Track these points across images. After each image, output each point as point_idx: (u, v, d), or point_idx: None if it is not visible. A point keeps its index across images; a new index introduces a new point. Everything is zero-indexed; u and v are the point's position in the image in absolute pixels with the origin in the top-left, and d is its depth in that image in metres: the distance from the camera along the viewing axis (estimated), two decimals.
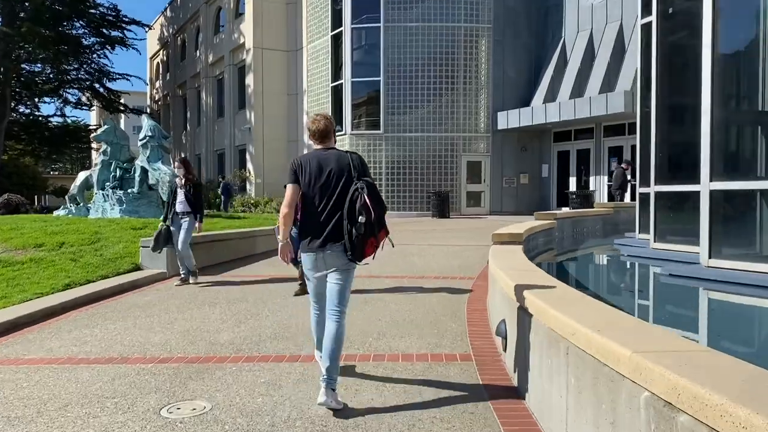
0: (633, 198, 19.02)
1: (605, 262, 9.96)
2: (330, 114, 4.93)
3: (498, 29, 23.79)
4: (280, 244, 4.19)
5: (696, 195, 6.62)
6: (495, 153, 24.04)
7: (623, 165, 18.54)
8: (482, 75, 23.87)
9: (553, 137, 24.04)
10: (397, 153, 23.40)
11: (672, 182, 8.19)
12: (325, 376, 3.85)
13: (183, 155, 41.05)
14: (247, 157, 29.49)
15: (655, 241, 8.36)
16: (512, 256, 6.58)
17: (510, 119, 23.01)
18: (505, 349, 4.78)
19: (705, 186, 6.18)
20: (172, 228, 8.80)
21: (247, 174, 28.94)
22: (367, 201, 3.89)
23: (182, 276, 8.82)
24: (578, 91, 21.71)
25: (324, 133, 4.22)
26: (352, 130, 23.86)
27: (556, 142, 23.98)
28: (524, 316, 4.08)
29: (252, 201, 26.01)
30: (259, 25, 28.59)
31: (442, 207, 22.05)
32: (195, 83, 38.27)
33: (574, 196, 16.63)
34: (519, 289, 4.31)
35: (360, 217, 3.87)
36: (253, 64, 28.68)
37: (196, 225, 8.81)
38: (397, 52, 23.31)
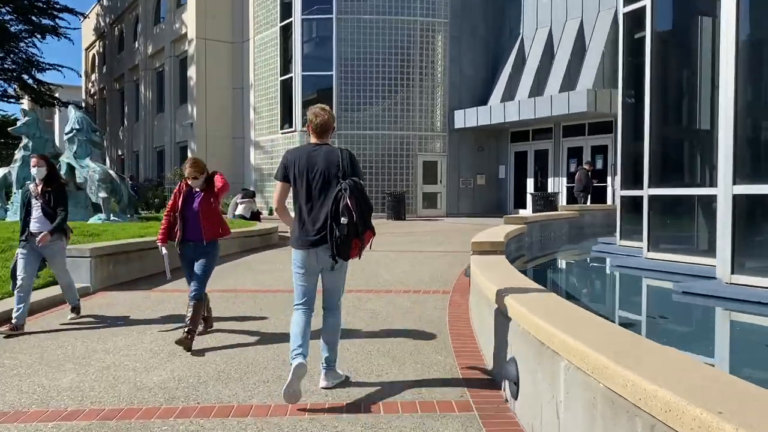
0: (594, 200, 18.51)
1: (601, 276, 8.88)
2: (329, 108, 4.39)
3: (455, 25, 22.99)
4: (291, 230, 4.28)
5: (707, 200, 5.81)
6: (452, 153, 23.22)
7: (585, 166, 17.98)
8: (438, 72, 23.02)
9: (510, 137, 23.41)
10: (353, 152, 22.24)
11: (672, 185, 7.40)
12: (325, 365, 4.16)
13: (120, 153, 38.86)
14: (189, 154, 27.77)
15: (649, 251, 7.55)
16: (503, 271, 5.61)
17: (467, 118, 22.23)
18: (515, 397, 3.77)
19: (726, 190, 5.36)
20: (22, 254, 6.08)
21: None
22: (349, 203, 3.88)
23: (72, 306, 6.51)
24: (537, 89, 21.11)
25: (324, 128, 4.16)
26: (303, 126, 22.60)
27: (513, 143, 23.36)
28: (555, 362, 3.07)
29: None
30: (202, 15, 26.96)
31: (397, 209, 21.07)
32: (133, 76, 36.17)
33: (537, 198, 15.93)
34: (538, 322, 3.31)
35: (342, 219, 3.88)
36: (196, 56, 27.04)
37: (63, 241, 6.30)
38: (351, 45, 22.20)
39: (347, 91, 22.23)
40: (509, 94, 22.05)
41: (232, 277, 9.07)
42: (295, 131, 22.80)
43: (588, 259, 10.26)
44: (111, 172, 13.81)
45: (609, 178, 19.41)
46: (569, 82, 20.12)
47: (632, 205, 9.44)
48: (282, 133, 23.73)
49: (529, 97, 20.76)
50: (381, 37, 22.24)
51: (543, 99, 19.43)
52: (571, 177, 20.90)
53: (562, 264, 10.47)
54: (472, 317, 6.01)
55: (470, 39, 23.37)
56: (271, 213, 24.09)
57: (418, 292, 7.65)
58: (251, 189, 20.03)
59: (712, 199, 5.82)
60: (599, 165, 19.63)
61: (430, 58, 22.85)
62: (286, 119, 23.45)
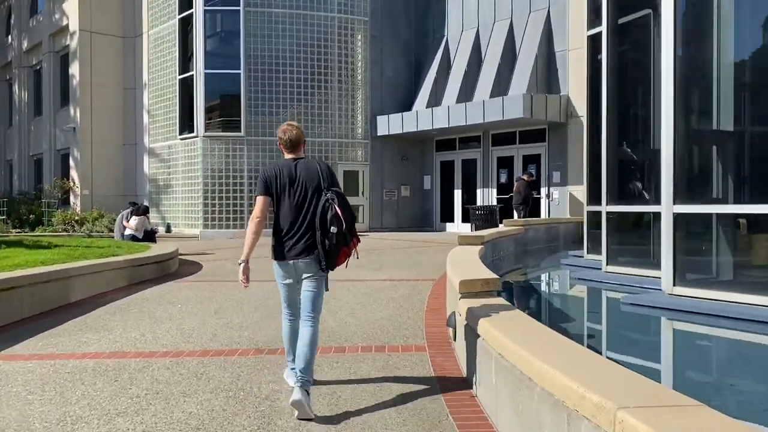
0: (533, 213, 17.21)
1: (638, 326, 6.14)
2: (297, 124, 4.49)
3: (375, 23, 21.19)
4: (240, 264, 4.24)
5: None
6: (374, 162, 21.32)
7: (525, 176, 16.62)
8: (359, 73, 21.10)
9: (435, 146, 21.82)
10: (263, 160, 19.85)
11: (700, 201, 5.79)
12: (300, 376, 3.93)
13: None
14: (71, 163, 24.26)
15: (675, 285, 5.92)
16: (539, 335, 3.70)
17: (391, 124, 20.43)
18: None
19: None
20: None
21: (71, 184, 23.73)
22: (338, 211, 3.99)
23: None
24: (465, 95, 19.66)
25: (295, 143, 4.32)
26: (205, 131, 19.95)
27: (438, 151, 21.79)
28: None
29: (76, 218, 21.06)
30: (86, 4, 23.61)
31: None
32: (6, 75, 31.88)
33: (476, 212, 14.32)
34: None
35: (332, 228, 3.96)
36: (80, 51, 23.62)
37: None
38: (261, 42, 19.83)
39: (257, 92, 19.82)
40: (435, 100, 20.49)
41: (117, 329, 6.62)
42: (196, 137, 20.07)
43: (599, 293, 8.06)
44: None
45: (543, 189, 18.21)
46: (500, 87, 18.79)
47: (622, 224, 7.85)
48: (181, 139, 20.92)
49: (457, 102, 19.25)
50: (295, 33, 20.05)
51: (474, 104, 17.96)
52: (501, 188, 19.60)
53: (559, 302, 8.38)
54: (495, 405, 4.00)
55: (392, 39, 21.64)
56: (168, 230, 21.19)
57: (383, 350, 5.58)
58: (144, 203, 17.17)
59: None
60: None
61: (349, 58, 20.89)
62: (186, 123, 20.68)
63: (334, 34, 20.51)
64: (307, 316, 4.20)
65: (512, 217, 17.26)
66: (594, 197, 9.48)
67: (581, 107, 17.12)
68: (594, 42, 9.65)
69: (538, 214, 17.81)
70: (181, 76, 20.91)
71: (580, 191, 17.09)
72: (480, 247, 9.24)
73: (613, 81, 7.83)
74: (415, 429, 3.75)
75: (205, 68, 19.96)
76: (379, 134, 20.95)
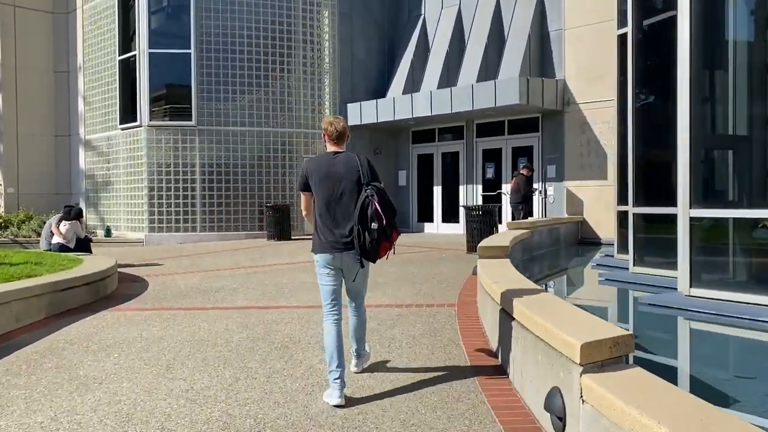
0: (530, 212, 15.41)
1: None
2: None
3: None
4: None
5: None
6: None
7: (523, 171, 14.71)
8: (327, 56, 18.82)
9: (411, 137, 19.76)
10: (216, 153, 17.40)
11: None
12: (356, 354, 4.53)
13: None
14: None
15: None
16: None
17: (364, 113, 18.25)
18: None
19: None
20: None
21: None
22: (378, 208, 3.98)
23: None
24: (447, 80, 17.68)
25: (341, 136, 4.31)
26: (150, 120, 17.35)
27: (415, 144, 19.73)
28: None
29: (1, 219, 18.15)
30: None
31: (281, 225, 16.63)
32: None
33: (473, 213, 12.40)
34: None
35: (373, 224, 3.98)
36: (1, 28, 20.55)
37: None
38: (215, 18, 17.34)
39: (210, 76, 17.34)
40: (412, 85, 18.42)
41: (17, 407, 4.29)
42: (140, 126, 17.45)
43: (724, 334, 5.69)
44: None
45: (537, 185, 16.38)
46: (487, 72, 16.88)
47: (711, 234, 5.98)
48: (122, 129, 18.25)
49: (438, 88, 17.24)
50: (254, 9, 17.62)
51: (461, 90, 15.94)
52: (488, 184, 17.73)
53: (693, 362, 5.53)
54: None
55: (363, 17, 19.44)
56: (108, 234, 18.51)
57: None
58: (77, 205, 14.50)
59: None
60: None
61: (315, 38, 18.59)
62: (128, 111, 18.02)
63: (298, 10, 18.16)
64: (354, 306, 4.42)
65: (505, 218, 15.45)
66: (643, 196, 7.63)
67: (580, 93, 15.39)
68: (642, 2, 7.77)
69: (531, 214, 15.99)
70: (122, 57, 18.21)
71: (579, 187, 15.36)
72: (503, 259, 7.30)
73: (698, 45, 5.93)
74: None
75: (150, 47, 17.32)
76: (349, 124, 18.68)
